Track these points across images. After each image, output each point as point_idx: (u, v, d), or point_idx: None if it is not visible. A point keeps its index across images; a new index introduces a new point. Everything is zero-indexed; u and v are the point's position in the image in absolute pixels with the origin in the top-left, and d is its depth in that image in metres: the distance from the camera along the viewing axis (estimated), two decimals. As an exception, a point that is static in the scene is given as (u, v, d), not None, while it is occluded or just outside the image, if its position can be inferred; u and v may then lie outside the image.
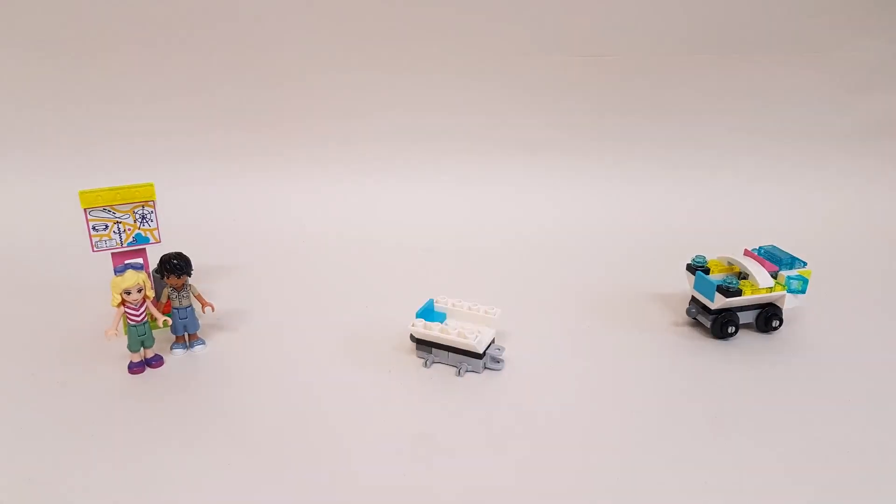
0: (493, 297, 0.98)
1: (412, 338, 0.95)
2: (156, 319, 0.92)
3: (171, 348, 0.97)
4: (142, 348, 0.91)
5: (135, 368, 0.91)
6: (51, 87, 1.45)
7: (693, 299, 1.06)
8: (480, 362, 0.91)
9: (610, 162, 1.58)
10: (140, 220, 0.99)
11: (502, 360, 0.93)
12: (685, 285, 1.10)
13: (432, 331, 0.91)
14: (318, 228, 1.44)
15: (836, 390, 0.89)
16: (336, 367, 0.93)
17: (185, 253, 0.95)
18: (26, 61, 1.42)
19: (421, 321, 0.92)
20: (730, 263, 1.05)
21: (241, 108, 1.51)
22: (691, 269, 1.06)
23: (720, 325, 1.00)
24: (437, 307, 0.99)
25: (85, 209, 0.95)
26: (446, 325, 0.94)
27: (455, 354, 0.91)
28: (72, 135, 1.48)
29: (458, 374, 0.91)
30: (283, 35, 1.45)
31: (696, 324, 1.06)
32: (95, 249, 0.97)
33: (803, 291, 1.00)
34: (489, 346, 0.93)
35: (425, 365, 0.93)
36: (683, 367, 0.95)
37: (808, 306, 1.07)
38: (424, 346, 0.94)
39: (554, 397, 0.87)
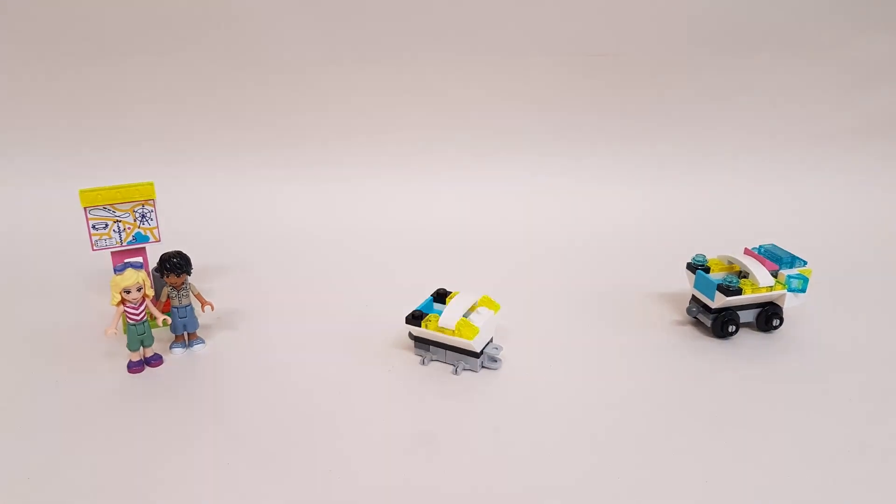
0: (494, 296, 0.98)
1: (410, 335, 0.95)
2: (155, 318, 0.92)
3: (171, 347, 0.97)
4: (141, 347, 0.91)
5: (134, 367, 0.91)
6: (51, 86, 1.45)
7: (693, 298, 1.05)
8: (478, 361, 0.91)
9: (610, 160, 1.58)
10: (140, 218, 0.99)
11: (500, 360, 0.93)
12: (685, 284, 1.10)
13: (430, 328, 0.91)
14: (318, 227, 1.44)
15: (836, 389, 0.89)
16: (335, 366, 0.93)
17: (184, 252, 0.95)
18: (26, 61, 1.43)
19: (419, 319, 0.92)
20: (730, 262, 1.05)
21: (240, 107, 1.51)
22: (692, 267, 1.06)
23: (721, 324, 1.00)
24: (436, 305, 0.99)
25: (85, 208, 0.95)
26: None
27: (452, 353, 0.91)
28: (72, 134, 1.48)
29: (455, 372, 0.91)
30: (282, 34, 1.45)
31: (697, 323, 1.06)
32: (95, 248, 0.98)
33: (804, 290, 1.00)
34: (487, 345, 0.92)
35: (423, 362, 0.93)
36: (684, 366, 0.95)
37: (808, 305, 1.06)
38: (422, 343, 0.94)
39: (553, 396, 0.87)
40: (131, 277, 0.88)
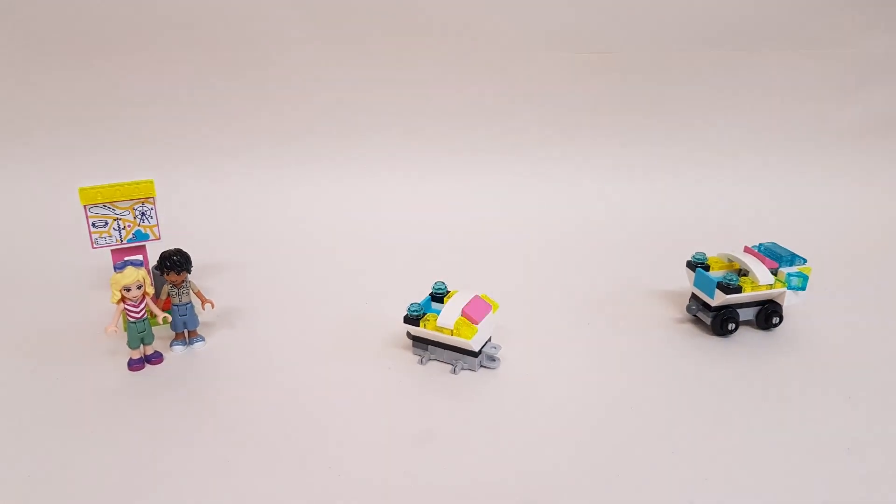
0: (492, 295, 0.98)
1: (409, 335, 0.95)
2: (155, 316, 0.92)
3: (171, 345, 0.97)
4: (141, 345, 0.92)
5: (134, 365, 0.92)
6: (51, 84, 1.45)
7: (693, 296, 1.05)
8: (476, 360, 0.91)
9: (610, 159, 1.57)
10: (140, 216, 0.99)
11: (498, 359, 0.93)
12: (685, 282, 1.10)
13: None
14: (317, 225, 1.44)
15: (836, 387, 0.89)
16: (334, 364, 0.94)
17: (184, 249, 0.95)
18: (26, 59, 1.43)
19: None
20: (730, 260, 1.05)
21: (240, 105, 1.51)
22: (691, 265, 1.06)
23: (720, 321, 1.00)
24: (435, 304, 0.99)
25: (85, 206, 0.95)
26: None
27: (451, 352, 0.92)
28: (71, 132, 1.48)
29: (454, 371, 0.91)
30: (282, 32, 1.45)
31: (697, 321, 1.06)
32: (95, 246, 0.98)
33: (803, 288, 1.00)
34: (485, 343, 0.92)
35: (421, 362, 0.93)
36: (684, 363, 0.95)
37: (808, 303, 1.06)
38: (420, 343, 0.94)
39: (552, 394, 0.87)
40: (131, 275, 0.88)
